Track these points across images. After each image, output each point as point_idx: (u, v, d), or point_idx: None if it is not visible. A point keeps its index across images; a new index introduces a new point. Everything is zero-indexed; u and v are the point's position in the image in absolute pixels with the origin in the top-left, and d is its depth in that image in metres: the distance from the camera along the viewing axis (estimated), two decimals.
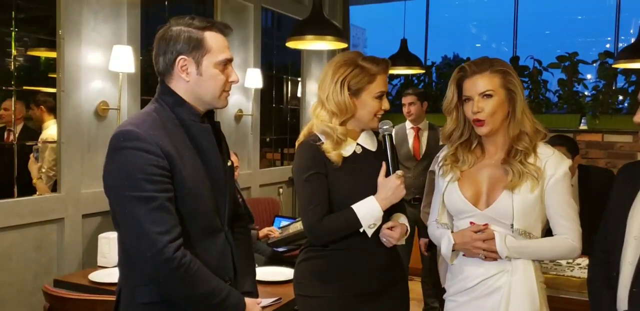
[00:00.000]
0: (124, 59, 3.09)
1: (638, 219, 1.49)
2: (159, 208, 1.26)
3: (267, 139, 5.17)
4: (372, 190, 1.72)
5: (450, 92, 1.68)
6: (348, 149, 1.75)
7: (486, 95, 1.60)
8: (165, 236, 1.25)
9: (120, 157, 1.28)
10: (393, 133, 1.75)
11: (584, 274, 2.16)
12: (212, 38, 1.38)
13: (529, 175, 1.58)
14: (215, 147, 1.43)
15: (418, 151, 3.81)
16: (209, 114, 1.49)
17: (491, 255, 1.58)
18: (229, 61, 1.41)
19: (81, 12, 3.04)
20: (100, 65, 3.16)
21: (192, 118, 1.39)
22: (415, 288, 3.99)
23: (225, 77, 1.41)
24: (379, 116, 1.76)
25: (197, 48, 1.37)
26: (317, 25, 3.16)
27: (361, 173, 1.74)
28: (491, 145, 1.68)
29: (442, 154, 1.77)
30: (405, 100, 3.98)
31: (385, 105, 1.75)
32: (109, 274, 2.50)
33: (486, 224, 1.60)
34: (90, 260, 3.07)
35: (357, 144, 1.78)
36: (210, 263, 1.38)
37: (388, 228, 1.72)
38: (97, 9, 3.14)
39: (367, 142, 1.81)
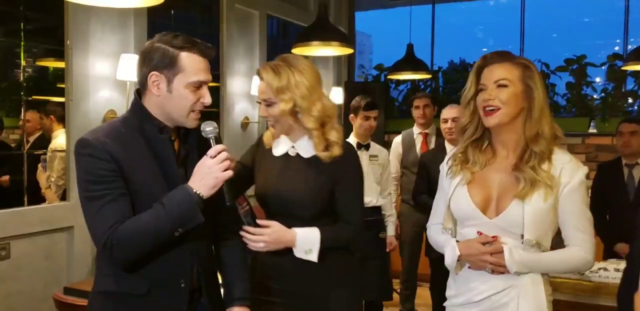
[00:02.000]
0: (131, 68, 3.12)
1: None
2: (106, 204, 1.37)
3: None
4: (276, 193, 1.74)
5: (470, 82, 1.61)
6: (281, 147, 1.79)
7: (501, 85, 1.52)
8: (109, 231, 1.36)
9: (77, 163, 1.42)
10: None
11: (595, 278, 2.13)
12: (187, 59, 1.42)
13: (541, 183, 1.50)
14: (172, 157, 1.47)
15: None
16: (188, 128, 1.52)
17: (499, 269, 1.51)
18: (203, 83, 1.44)
19: (89, 22, 3.07)
20: (107, 74, 3.19)
21: (153, 129, 1.46)
22: (423, 294, 3.96)
23: (197, 98, 1.44)
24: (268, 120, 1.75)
25: (170, 66, 1.41)
26: (323, 31, 3.17)
27: (274, 175, 1.76)
28: (502, 146, 1.59)
29: (451, 153, 1.70)
30: (420, 102, 3.89)
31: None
32: None
33: (495, 236, 1.53)
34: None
35: (293, 146, 1.78)
36: (164, 267, 1.45)
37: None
38: (104, 19, 3.18)
39: (303, 146, 1.76)
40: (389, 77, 5.22)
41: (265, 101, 1.71)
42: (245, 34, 4.49)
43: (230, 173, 1.41)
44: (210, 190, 1.40)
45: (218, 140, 1.46)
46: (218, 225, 1.61)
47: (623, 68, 4.42)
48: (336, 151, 1.71)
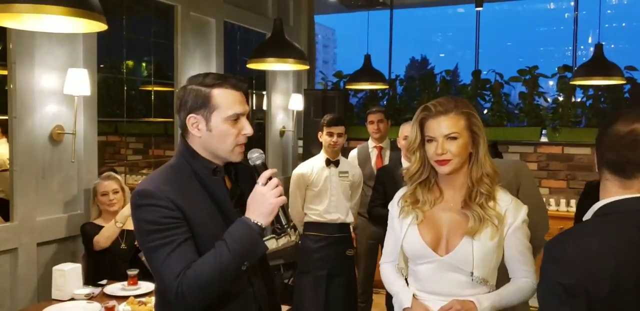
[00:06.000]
0: (79, 82, 3.01)
1: None
2: (172, 252, 1.39)
3: None
4: None
5: (414, 132, 1.66)
6: None
7: (451, 138, 1.58)
8: (177, 278, 1.37)
9: (138, 214, 1.43)
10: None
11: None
12: (220, 95, 1.45)
13: (489, 222, 1.57)
14: (227, 197, 1.50)
15: None
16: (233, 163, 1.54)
17: None
18: (240, 115, 1.47)
19: (34, 35, 2.94)
20: (54, 88, 3.06)
21: (205, 171, 1.48)
22: (380, 302, 3.98)
23: (238, 130, 1.47)
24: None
25: (204, 106, 1.44)
26: (278, 48, 3.14)
27: None
28: (449, 186, 1.66)
29: (399, 194, 1.76)
30: (374, 117, 3.93)
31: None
32: (62, 309, 2.42)
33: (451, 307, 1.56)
34: (46, 291, 2.96)
35: None
36: (229, 302, 1.47)
37: None
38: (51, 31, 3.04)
39: None
40: (347, 86, 5.23)
41: None
42: (202, 42, 4.41)
43: (284, 198, 1.42)
44: (267, 218, 1.41)
45: (266, 167, 1.48)
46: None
47: (571, 82, 4.55)
48: None
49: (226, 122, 1.45)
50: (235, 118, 1.46)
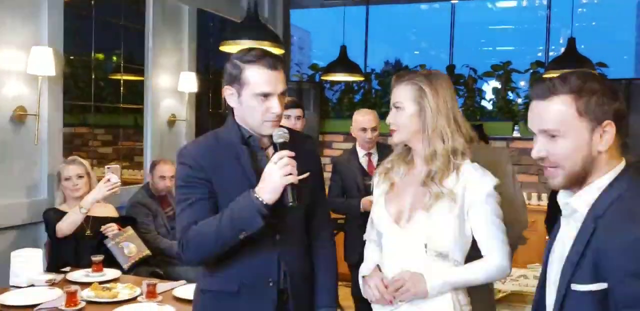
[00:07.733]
0: (44, 61, 2.89)
1: (556, 265, 1.25)
2: (190, 205, 1.54)
3: None
4: None
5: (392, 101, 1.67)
6: None
7: (396, 107, 1.59)
8: (182, 232, 1.53)
9: (176, 170, 1.65)
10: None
11: (515, 287, 2.18)
12: (252, 72, 1.52)
13: (445, 197, 1.53)
14: (249, 164, 1.58)
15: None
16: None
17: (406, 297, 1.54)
18: (269, 94, 1.53)
19: None
20: (17, 67, 2.93)
21: (236, 139, 1.60)
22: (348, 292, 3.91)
23: (265, 108, 1.53)
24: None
25: (236, 80, 1.54)
26: (253, 30, 3.06)
27: None
28: (419, 160, 1.64)
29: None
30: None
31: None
32: (20, 294, 2.31)
33: (399, 280, 1.54)
34: (4, 278, 2.83)
35: None
36: (252, 264, 1.57)
37: None
38: (14, 7, 2.91)
39: None
40: (322, 77, 5.18)
41: None
42: (174, 28, 4.30)
43: (291, 178, 1.46)
44: (271, 195, 1.46)
45: (285, 146, 1.52)
46: (310, 231, 1.71)
47: (544, 76, 4.59)
48: None
49: (255, 99, 1.52)
50: (264, 96, 1.52)
